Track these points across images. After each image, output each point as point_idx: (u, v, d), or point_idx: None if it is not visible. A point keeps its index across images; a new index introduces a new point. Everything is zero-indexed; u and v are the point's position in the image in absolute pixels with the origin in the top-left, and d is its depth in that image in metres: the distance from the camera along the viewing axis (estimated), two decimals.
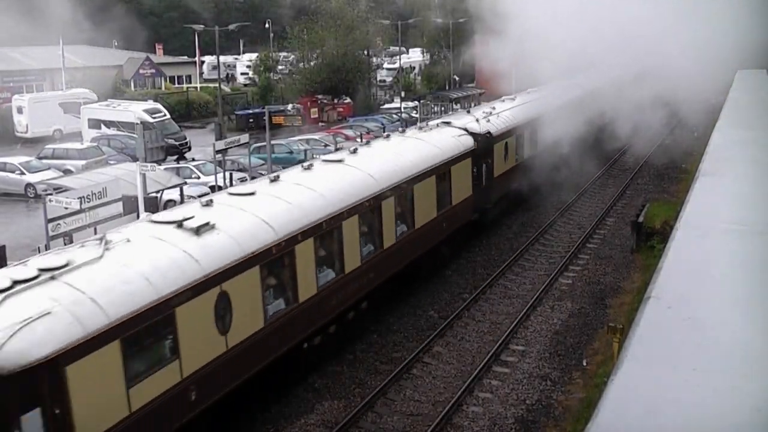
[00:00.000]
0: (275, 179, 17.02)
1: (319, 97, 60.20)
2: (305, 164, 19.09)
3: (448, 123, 25.16)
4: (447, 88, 65.54)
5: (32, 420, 9.89)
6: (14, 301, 10.33)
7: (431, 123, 25.50)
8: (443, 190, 22.04)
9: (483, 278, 22.44)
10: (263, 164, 33.65)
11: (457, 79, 69.18)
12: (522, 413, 15.06)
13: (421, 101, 53.91)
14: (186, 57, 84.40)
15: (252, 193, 15.64)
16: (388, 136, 23.47)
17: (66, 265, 11.26)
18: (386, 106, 62.68)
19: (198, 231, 13.19)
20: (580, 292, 21.56)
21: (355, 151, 20.36)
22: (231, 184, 27.92)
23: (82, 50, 74.36)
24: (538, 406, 15.35)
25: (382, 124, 49.04)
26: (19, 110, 50.97)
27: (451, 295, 21.29)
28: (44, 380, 10.03)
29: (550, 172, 27.25)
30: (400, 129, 27.22)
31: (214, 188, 27.35)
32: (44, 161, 36.31)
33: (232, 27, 50.83)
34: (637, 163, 35.33)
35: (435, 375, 16.67)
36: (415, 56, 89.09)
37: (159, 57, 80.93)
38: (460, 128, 24.48)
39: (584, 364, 17.13)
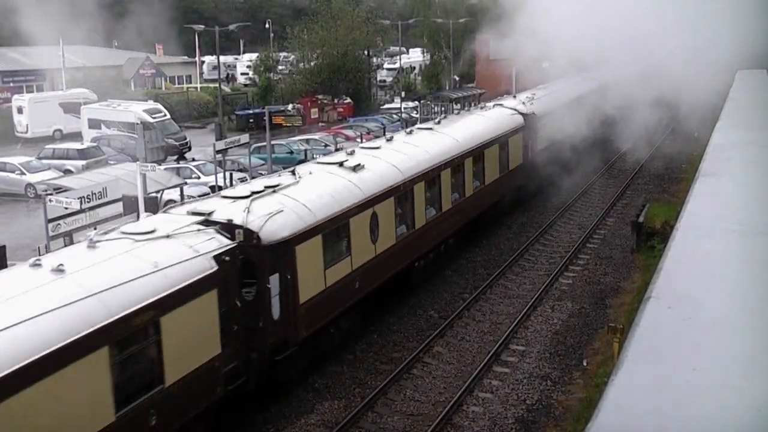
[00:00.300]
0: (390, 139, 22.96)
1: (319, 97, 60.20)
2: (407, 129, 25.16)
3: (500, 105, 30.07)
4: (447, 88, 65.52)
5: (273, 280, 14.57)
6: (258, 202, 15.38)
7: (488, 104, 30.72)
8: (503, 157, 27.13)
9: (483, 278, 22.44)
10: (263, 164, 33.64)
11: (457, 79, 69.16)
12: (522, 413, 15.07)
13: (421, 101, 53.90)
14: (186, 57, 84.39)
15: (378, 147, 21.45)
16: (458, 113, 29.10)
17: (279, 185, 16.60)
18: (386, 106, 62.69)
19: (355, 169, 18.59)
20: (581, 292, 21.56)
21: (439, 122, 26.11)
22: (231, 185, 27.93)
23: (82, 50, 74.34)
24: (538, 406, 15.35)
25: (382, 124, 49.04)
26: (19, 110, 50.97)
27: (452, 295, 21.29)
28: (283, 254, 14.74)
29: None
30: (460, 110, 31.95)
31: (214, 188, 27.35)
32: (44, 161, 36.30)
33: (232, 27, 50.87)
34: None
35: (435, 375, 16.67)
36: (415, 56, 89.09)
37: (159, 57, 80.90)
38: (512, 109, 29.31)
39: (584, 364, 17.13)
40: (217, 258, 12.96)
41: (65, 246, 17.18)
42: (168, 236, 12.94)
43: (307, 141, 41.56)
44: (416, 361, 17.14)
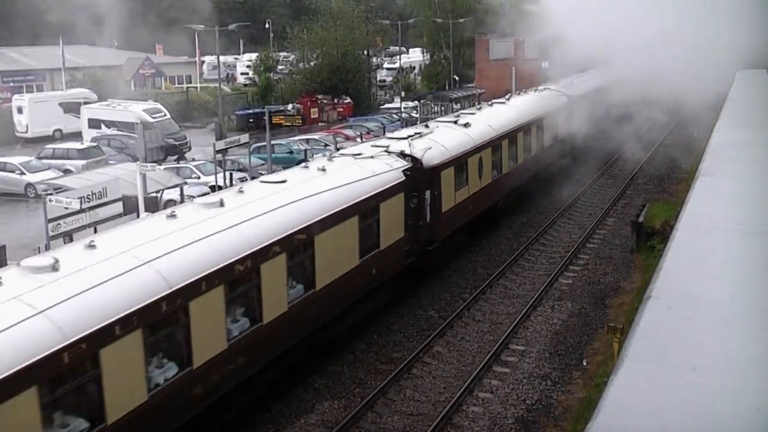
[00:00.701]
0: (480, 108, 30.53)
1: (319, 97, 60.20)
2: (489, 102, 32.41)
3: (548, 88, 35.74)
4: (447, 87, 65.55)
5: (428, 194, 21.06)
6: (414, 141, 21.93)
7: (539, 87, 36.54)
8: (545, 132, 32.40)
9: (483, 278, 22.44)
10: (263, 164, 33.63)
11: (457, 79, 69.21)
12: (522, 413, 15.07)
13: (421, 101, 53.92)
14: (186, 57, 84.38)
15: (473, 113, 28.68)
16: (508, 98, 33.48)
17: (422, 133, 23.38)
18: (386, 106, 62.68)
19: (465, 125, 25.57)
20: (580, 292, 21.56)
21: (508, 98, 32.82)
22: (231, 185, 27.94)
23: (83, 50, 74.36)
24: (538, 406, 15.35)
25: (382, 124, 49.03)
26: (19, 110, 50.98)
27: (452, 295, 21.29)
28: (434, 176, 21.42)
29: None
30: (511, 95, 35.66)
31: (214, 188, 27.35)
32: (44, 161, 36.30)
33: (232, 27, 50.87)
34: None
35: (435, 375, 16.67)
36: (415, 56, 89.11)
37: (159, 57, 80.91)
38: (558, 91, 35.44)
39: (584, 364, 17.13)
40: (404, 172, 19.80)
41: (64, 245, 17.16)
42: (372, 157, 19.93)
43: (307, 141, 41.54)
44: (416, 361, 17.14)
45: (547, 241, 26.28)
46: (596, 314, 19.94)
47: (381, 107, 63.10)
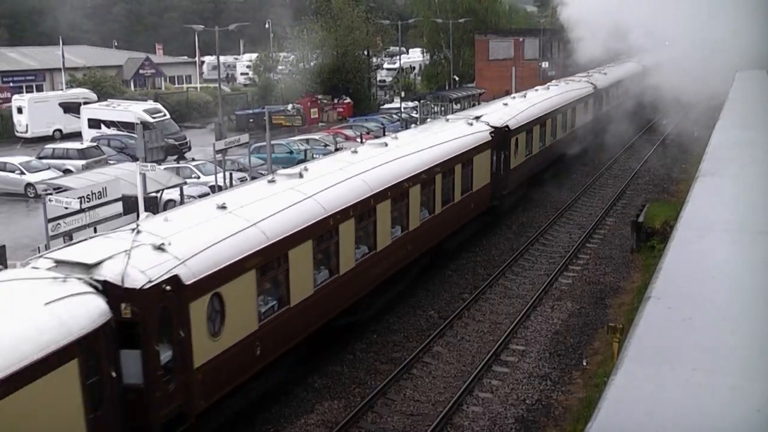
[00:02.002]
0: (524, 96, 34.44)
1: (319, 97, 60.19)
2: (535, 88, 37.79)
3: (574, 80, 41.96)
4: (447, 87, 65.54)
5: (504, 153, 27.19)
6: (483, 117, 26.99)
7: (576, 76, 43.43)
8: (583, 111, 39.08)
9: (483, 278, 22.44)
10: (263, 164, 33.63)
11: (457, 79, 69.21)
12: (522, 413, 15.07)
13: (421, 101, 53.91)
14: (186, 57, 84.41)
15: (524, 96, 34.31)
16: (554, 85, 39.23)
17: (483, 114, 27.92)
18: (386, 106, 62.67)
19: (529, 102, 32.18)
20: (580, 292, 21.56)
21: (548, 87, 38.19)
22: (231, 185, 27.93)
23: (82, 50, 74.39)
24: (538, 406, 15.34)
25: (382, 124, 49.01)
26: (19, 110, 50.96)
27: (451, 295, 21.29)
28: (509, 137, 27.17)
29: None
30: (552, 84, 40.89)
31: (214, 188, 27.34)
32: (44, 161, 36.29)
33: (232, 27, 50.80)
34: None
35: (435, 375, 16.67)
36: (415, 56, 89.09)
37: (159, 57, 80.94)
38: (587, 82, 41.52)
39: (584, 364, 17.13)
40: (491, 133, 25.73)
41: (65, 244, 17.16)
42: (470, 123, 25.82)
43: (307, 141, 41.51)
44: (416, 361, 17.14)
45: (547, 241, 26.28)
46: (596, 314, 19.94)
47: (381, 107, 63.08)
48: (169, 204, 25.50)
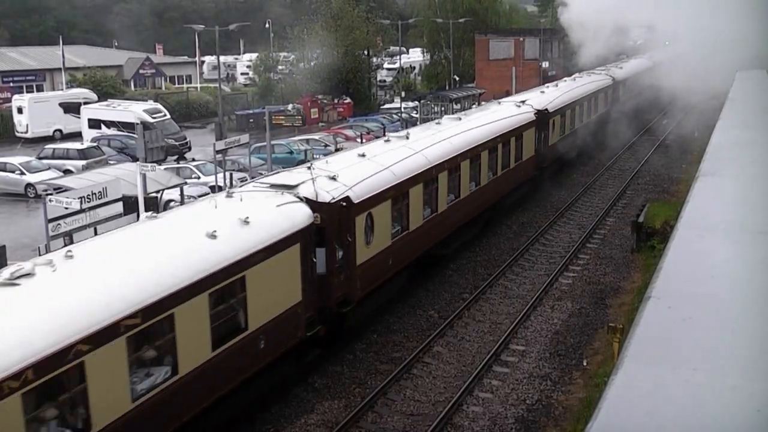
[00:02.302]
0: (542, 91, 36.62)
1: (319, 97, 60.18)
2: (572, 77, 43.53)
3: (595, 73, 46.33)
4: (447, 87, 65.53)
5: (544, 132, 31.83)
6: (528, 102, 31.92)
7: (596, 70, 47.56)
8: (603, 100, 44.39)
9: (483, 278, 22.44)
10: (263, 164, 33.62)
11: (457, 79, 69.20)
12: (522, 413, 15.07)
13: (421, 101, 53.91)
14: (186, 57, 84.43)
15: (555, 87, 38.25)
16: (579, 77, 43.50)
17: (526, 98, 32.64)
18: (386, 106, 62.64)
19: (564, 89, 37.40)
20: (581, 292, 21.56)
21: (574, 78, 42.75)
22: (231, 185, 27.92)
23: (82, 50, 74.39)
24: (538, 406, 15.34)
25: (382, 124, 49.00)
26: (19, 110, 50.95)
27: (452, 295, 21.29)
28: (548, 118, 32.45)
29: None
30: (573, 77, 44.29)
31: (214, 188, 27.34)
32: (44, 161, 36.29)
33: (232, 27, 50.80)
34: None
35: (435, 375, 16.67)
36: (415, 56, 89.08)
37: (159, 57, 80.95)
38: (606, 74, 46.46)
39: (584, 364, 17.13)
40: (534, 114, 30.33)
41: (65, 245, 17.15)
42: (518, 106, 30.43)
43: (307, 141, 41.51)
44: (416, 361, 17.14)
45: (547, 241, 26.28)
46: (596, 314, 19.94)
47: (381, 107, 63.05)
48: (170, 204, 25.50)
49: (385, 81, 78.31)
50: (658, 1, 39.65)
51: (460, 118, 27.81)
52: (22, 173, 34.09)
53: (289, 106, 56.11)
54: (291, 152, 38.46)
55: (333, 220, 16.02)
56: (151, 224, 13.61)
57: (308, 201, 15.72)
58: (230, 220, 13.84)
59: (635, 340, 4.47)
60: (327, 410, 15.15)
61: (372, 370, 16.81)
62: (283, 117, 54.76)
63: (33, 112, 50.38)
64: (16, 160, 35.91)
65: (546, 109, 32.17)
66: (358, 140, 40.61)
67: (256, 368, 13.75)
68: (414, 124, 39.70)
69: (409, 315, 19.83)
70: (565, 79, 43.64)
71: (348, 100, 61.65)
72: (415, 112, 53.96)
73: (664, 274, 5.55)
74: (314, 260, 15.45)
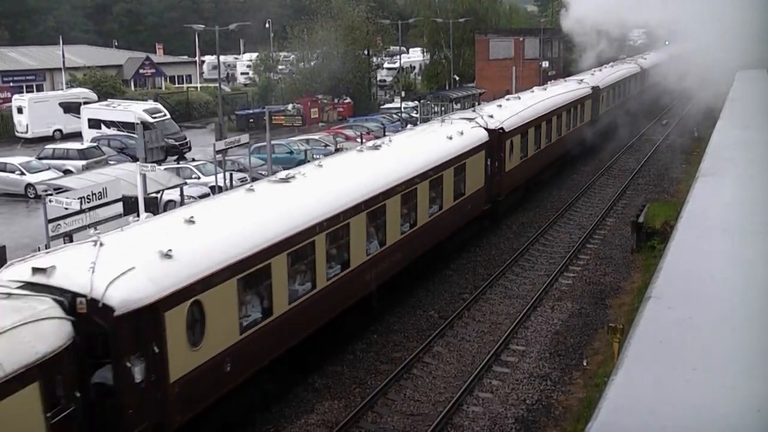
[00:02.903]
0: (592, 73, 44.46)
1: (319, 97, 60.16)
2: (601, 68, 48.84)
3: (632, 60, 56.91)
4: (447, 87, 65.53)
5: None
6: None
7: (627, 60, 57.04)
8: (634, 82, 52.51)
9: (483, 278, 22.44)
10: (263, 164, 33.62)
11: (457, 78, 69.20)
12: (522, 413, 15.07)
13: (421, 101, 53.91)
14: (186, 57, 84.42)
15: (593, 74, 45.15)
16: (611, 66, 50.85)
17: (581, 79, 40.62)
18: (386, 106, 62.62)
19: (597, 76, 45.13)
20: (581, 293, 21.56)
21: (593, 73, 45.88)
22: (231, 185, 27.92)
23: (82, 50, 74.38)
24: (538, 406, 15.34)
25: (382, 124, 48.99)
26: (19, 110, 50.93)
27: (452, 295, 21.29)
28: (598, 93, 40.60)
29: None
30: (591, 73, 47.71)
31: (214, 189, 27.34)
32: (44, 161, 36.28)
33: (232, 27, 50.80)
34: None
35: (435, 375, 16.67)
36: (415, 56, 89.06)
37: (159, 57, 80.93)
38: (635, 63, 54.85)
39: (584, 364, 17.13)
40: (591, 88, 39.92)
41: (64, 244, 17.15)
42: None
43: (307, 141, 41.50)
44: (416, 361, 17.14)
45: (547, 241, 26.28)
46: (596, 314, 19.94)
47: (381, 107, 63.03)
48: (170, 205, 25.50)
49: (385, 81, 78.30)
50: (661, 2, 42.69)
51: (519, 98, 31.73)
52: (22, 173, 34.08)
53: (289, 106, 56.11)
54: (291, 152, 38.45)
55: (499, 141, 25.94)
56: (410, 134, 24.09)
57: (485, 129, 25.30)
58: (453, 131, 23.98)
59: (635, 340, 4.47)
60: (327, 410, 15.15)
61: (372, 370, 16.81)
62: (283, 117, 54.77)
63: (33, 112, 50.37)
64: (16, 160, 35.90)
65: (597, 86, 37.32)
66: (358, 140, 40.59)
67: (466, 219, 24.07)
68: (414, 124, 39.67)
69: (409, 315, 19.83)
70: (601, 68, 48.16)
71: (348, 100, 61.64)
72: (415, 111, 53.96)
73: (664, 274, 5.55)
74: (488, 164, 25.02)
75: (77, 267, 11.13)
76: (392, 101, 64.88)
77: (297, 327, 14.86)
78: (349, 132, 46.17)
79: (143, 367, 11.04)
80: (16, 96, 54.32)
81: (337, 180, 17.74)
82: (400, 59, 68.93)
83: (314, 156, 34.17)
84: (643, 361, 4.24)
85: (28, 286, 10.79)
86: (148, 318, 11.11)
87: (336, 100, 61.41)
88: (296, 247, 14.79)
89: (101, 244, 11.77)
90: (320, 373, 16.50)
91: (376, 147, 21.34)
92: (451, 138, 23.48)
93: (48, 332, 10.06)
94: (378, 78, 74.67)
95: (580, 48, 55.42)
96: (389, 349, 17.88)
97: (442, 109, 49.74)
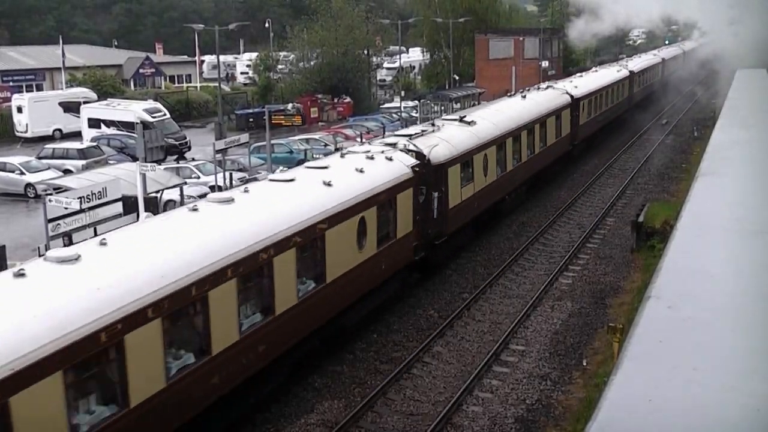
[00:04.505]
0: (623, 64, 54.23)
1: (319, 96, 60.15)
2: (649, 53, 67.70)
3: (676, 45, 77.95)
4: (447, 87, 65.53)
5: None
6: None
7: (673, 46, 77.53)
8: (680, 60, 71.44)
9: (483, 278, 22.43)
10: (263, 164, 33.62)
11: (457, 78, 69.18)
12: (522, 413, 15.07)
13: (421, 101, 53.89)
14: (186, 57, 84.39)
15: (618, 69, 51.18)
16: (657, 52, 65.34)
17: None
18: (386, 105, 62.62)
19: (626, 67, 52.25)
20: (580, 292, 21.55)
21: (632, 58, 61.21)
22: (231, 185, 27.92)
23: (82, 50, 74.37)
24: (538, 406, 15.34)
25: (382, 123, 49.00)
26: (19, 110, 50.91)
27: (451, 294, 21.28)
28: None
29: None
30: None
31: (214, 188, 27.33)
32: (44, 161, 36.27)
33: (232, 26, 50.81)
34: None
35: (435, 375, 16.67)
36: (415, 56, 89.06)
37: (159, 56, 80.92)
38: (679, 47, 75.57)
39: (584, 363, 17.13)
40: (629, 71, 49.58)
41: (64, 245, 17.16)
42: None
43: (307, 140, 41.51)
44: (416, 361, 17.13)
45: (547, 241, 26.27)
46: (596, 314, 19.93)
47: (381, 107, 63.03)
48: (169, 204, 25.49)
49: (385, 80, 78.28)
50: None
51: (572, 81, 42.15)
52: (22, 173, 34.07)
53: (289, 106, 56.10)
54: (291, 152, 38.45)
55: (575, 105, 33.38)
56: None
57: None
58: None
59: (635, 340, 4.47)
60: (327, 410, 15.15)
61: (372, 370, 16.81)
62: (282, 116, 54.75)
63: (33, 112, 50.34)
64: (15, 159, 35.89)
65: (632, 71, 47.70)
66: (358, 139, 40.59)
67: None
68: (414, 124, 39.64)
69: (408, 315, 19.83)
70: (632, 57, 57.70)
71: (348, 99, 61.62)
72: (414, 111, 53.95)
73: (663, 274, 5.55)
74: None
75: (420, 144, 21.30)
76: (392, 101, 64.87)
77: None
78: (349, 132, 46.17)
79: (437, 196, 20.89)
80: (15, 95, 54.29)
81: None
82: (399, 59, 68.91)
83: (314, 156, 34.14)
84: (643, 360, 4.24)
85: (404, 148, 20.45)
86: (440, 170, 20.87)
87: (336, 100, 61.40)
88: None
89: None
90: (320, 373, 16.50)
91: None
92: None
93: (411, 162, 19.87)
94: (378, 78, 74.65)
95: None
96: (389, 349, 17.88)
97: (442, 108, 49.73)
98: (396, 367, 16.66)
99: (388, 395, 15.68)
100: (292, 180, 16.49)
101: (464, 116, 26.15)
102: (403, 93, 62.56)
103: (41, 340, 9.53)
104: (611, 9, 54.96)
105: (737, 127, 12.92)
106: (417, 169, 19.90)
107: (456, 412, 15.02)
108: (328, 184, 16.45)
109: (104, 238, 12.18)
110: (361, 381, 16.31)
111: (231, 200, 14.56)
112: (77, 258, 11.12)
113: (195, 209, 14.03)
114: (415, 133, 22.97)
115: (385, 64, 76.98)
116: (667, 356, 4.31)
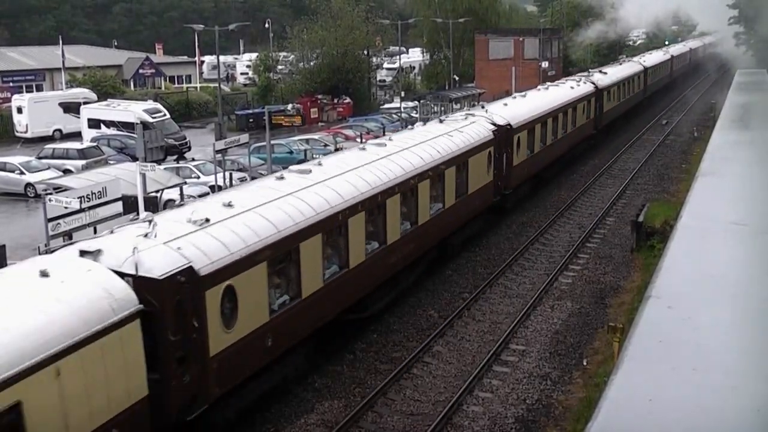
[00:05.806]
0: (642, 58, 61.07)
1: (319, 97, 60.13)
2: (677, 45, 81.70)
3: (692, 40, 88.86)
4: (447, 87, 65.50)
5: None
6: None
7: (688, 40, 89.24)
8: (694, 54, 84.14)
9: (483, 278, 22.44)
10: (263, 164, 33.60)
11: (456, 78, 69.16)
12: (522, 413, 15.07)
13: (421, 101, 53.87)
14: (186, 57, 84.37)
15: (637, 61, 59.27)
16: (672, 48, 72.58)
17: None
18: (386, 106, 62.58)
19: (645, 61, 60.03)
20: (580, 292, 21.56)
21: (651, 52, 68.05)
22: (231, 185, 27.92)
23: (82, 50, 74.37)
24: (538, 406, 15.34)
25: (382, 124, 48.97)
26: (19, 110, 50.90)
27: (452, 294, 21.28)
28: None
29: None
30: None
31: (214, 188, 27.33)
32: (44, 161, 36.26)
33: (232, 27, 50.74)
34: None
35: (435, 374, 16.67)
36: (415, 56, 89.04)
37: (159, 57, 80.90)
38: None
39: (584, 363, 17.13)
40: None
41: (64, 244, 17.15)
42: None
43: (307, 141, 41.47)
44: (416, 361, 17.14)
45: (547, 241, 26.27)
46: (596, 314, 19.94)
47: (381, 107, 62.99)
48: (169, 204, 25.48)
49: (384, 81, 78.24)
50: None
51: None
52: (22, 173, 34.07)
53: (289, 106, 56.07)
54: (291, 152, 38.43)
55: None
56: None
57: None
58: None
59: (635, 339, 4.47)
60: (327, 410, 15.15)
61: (372, 370, 16.81)
62: (282, 117, 54.73)
63: (33, 112, 50.32)
64: (15, 159, 35.88)
65: (645, 66, 54.98)
66: (358, 140, 40.58)
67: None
68: (413, 124, 39.56)
69: (409, 315, 19.83)
70: (651, 52, 65.69)
71: (348, 99, 61.60)
72: (414, 111, 53.93)
73: (663, 274, 5.55)
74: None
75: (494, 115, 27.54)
76: (392, 101, 64.84)
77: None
78: (349, 132, 46.15)
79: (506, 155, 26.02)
80: (15, 96, 54.27)
81: None
82: (399, 59, 68.87)
83: (314, 156, 34.14)
84: (643, 360, 4.24)
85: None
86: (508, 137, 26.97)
87: (336, 100, 61.38)
88: None
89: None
90: (320, 373, 16.50)
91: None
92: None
93: (491, 128, 25.87)
94: (378, 78, 74.60)
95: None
96: (389, 349, 17.88)
97: (442, 109, 49.71)
98: (396, 367, 16.66)
99: (388, 395, 15.68)
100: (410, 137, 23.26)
101: (525, 94, 34.43)
102: (403, 93, 62.54)
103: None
104: (626, 10, 61.72)
105: (737, 127, 12.92)
106: (496, 133, 25.73)
107: (456, 412, 15.03)
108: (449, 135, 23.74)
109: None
110: (361, 381, 16.32)
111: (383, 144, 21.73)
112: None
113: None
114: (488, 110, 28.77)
115: (385, 65, 76.93)
116: (667, 356, 4.32)
